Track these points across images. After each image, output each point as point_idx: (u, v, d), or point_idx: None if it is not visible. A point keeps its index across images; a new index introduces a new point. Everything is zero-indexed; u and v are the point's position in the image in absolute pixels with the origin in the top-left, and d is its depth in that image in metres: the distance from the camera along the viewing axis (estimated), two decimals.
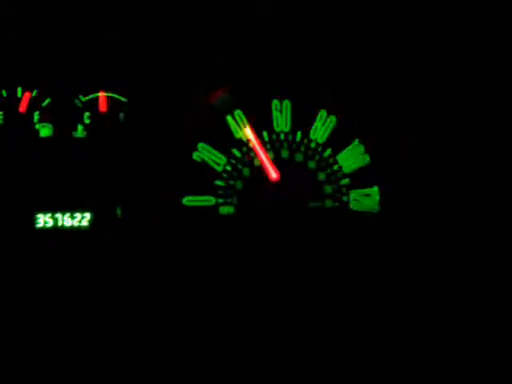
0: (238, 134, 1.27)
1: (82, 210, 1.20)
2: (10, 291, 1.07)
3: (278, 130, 1.29)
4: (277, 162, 1.27)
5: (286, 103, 1.29)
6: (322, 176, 1.29)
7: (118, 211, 1.18)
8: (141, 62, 1.22)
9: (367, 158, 1.30)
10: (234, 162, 1.26)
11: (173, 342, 1.07)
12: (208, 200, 1.24)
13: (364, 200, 1.30)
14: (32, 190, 1.18)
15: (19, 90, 1.22)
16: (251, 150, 1.26)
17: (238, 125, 1.27)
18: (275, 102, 1.29)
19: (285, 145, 1.29)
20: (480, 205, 1.23)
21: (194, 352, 1.07)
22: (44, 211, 1.18)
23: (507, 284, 1.17)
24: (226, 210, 1.25)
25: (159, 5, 1.17)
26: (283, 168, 1.27)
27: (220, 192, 1.25)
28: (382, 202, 1.30)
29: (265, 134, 1.28)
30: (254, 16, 1.22)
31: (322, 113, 1.30)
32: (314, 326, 1.14)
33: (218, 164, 1.26)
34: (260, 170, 1.26)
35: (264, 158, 1.25)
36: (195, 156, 1.25)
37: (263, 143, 1.27)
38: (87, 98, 1.24)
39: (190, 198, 1.23)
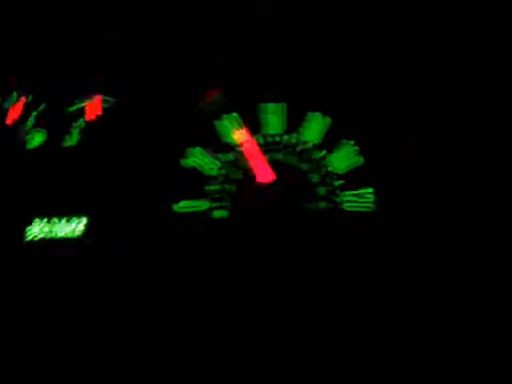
0: (230, 138, 1.28)
1: (77, 218, 1.21)
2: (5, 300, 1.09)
3: (271, 132, 1.29)
4: (270, 164, 1.27)
5: (280, 105, 1.29)
6: (315, 178, 1.29)
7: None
8: (132, 68, 1.22)
9: (361, 159, 1.30)
10: (227, 165, 1.27)
11: (169, 349, 1.09)
12: (201, 205, 1.26)
13: (358, 201, 1.30)
14: (25, 199, 1.20)
15: (14, 95, 1.23)
16: (244, 153, 1.27)
17: (232, 128, 1.27)
18: (269, 105, 1.29)
19: (278, 147, 1.29)
20: (476, 203, 1.22)
21: (189, 359, 1.08)
22: (38, 220, 1.20)
23: (503, 281, 1.17)
24: (219, 214, 1.26)
25: (155, 6, 1.17)
26: (277, 170, 1.27)
27: (213, 196, 1.26)
28: (376, 203, 1.30)
29: (258, 136, 1.28)
30: (247, 17, 1.22)
31: (316, 114, 1.29)
32: (312, 328, 1.15)
33: (211, 168, 1.26)
34: (253, 173, 1.27)
35: (259, 160, 1.25)
36: (187, 161, 1.26)
37: (258, 145, 1.28)
38: (79, 105, 1.25)
39: (184, 203, 1.25)
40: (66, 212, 1.20)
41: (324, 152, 1.29)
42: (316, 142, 1.29)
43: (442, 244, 1.20)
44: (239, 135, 1.26)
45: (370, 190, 1.29)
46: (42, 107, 1.24)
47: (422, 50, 1.22)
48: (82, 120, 1.24)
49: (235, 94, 1.28)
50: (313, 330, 1.13)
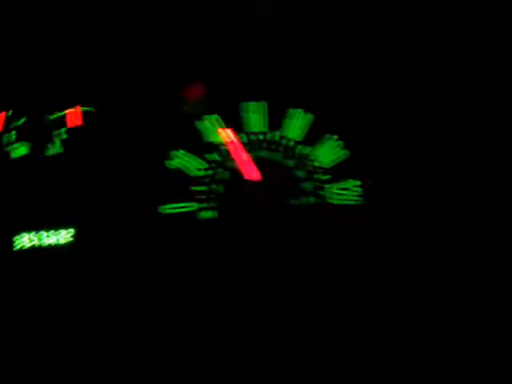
0: (214, 138, 1.28)
1: (65, 227, 1.20)
2: None
3: (254, 130, 1.30)
4: (255, 162, 1.28)
5: (261, 104, 1.30)
6: (301, 173, 1.30)
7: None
8: (114, 75, 1.23)
9: (346, 153, 1.31)
10: (213, 165, 1.27)
11: (160, 351, 1.08)
12: (189, 206, 1.25)
13: (345, 194, 1.30)
14: (12, 210, 1.19)
15: None
16: (229, 152, 1.27)
17: (215, 128, 1.28)
18: (250, 103, 1.30)
19: (262, 145, 1.30)
20: (461, 193, 1.24)
21: (180, 358, 1.07)
22: (26, 231, 1.18)
23: (486, 271, 1.17)
24: (207, 214, 1.26)
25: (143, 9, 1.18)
26: (262, 168, 1.27)
27: (200, 197, 1.26)
28: (363, 195, 1.30)
29: (242, 135, 1.29)
30: (226, 17, 1.23)
31: (298, 111, 1.30)
32: (303, 325, 1.14)
33: (197, 169, 1.26)
34: (240, 172, 1.27)
35: (244, 158, 1.26)
36: (172, 163, 1.26)
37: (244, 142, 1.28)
38: (61, 113, 1.25)
39: (171, 205, 1.24)
40: (53, 220, 1.19)
41: (308, 147, 1.30)
42: (299, 138, 1.30)
43: (431, 235, 1.21)
44: (223, 134, 1.26)
45: (356, 182, 1.30)
46: (22, 120, 1.23)
47: (404, 42, 1.24)
48: (64, 128, 1.24)
49: (216, 93, 1.28)
50: (304, 326, 1.12)
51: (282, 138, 1.30)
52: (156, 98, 1.25)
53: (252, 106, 1.30)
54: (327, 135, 1.31)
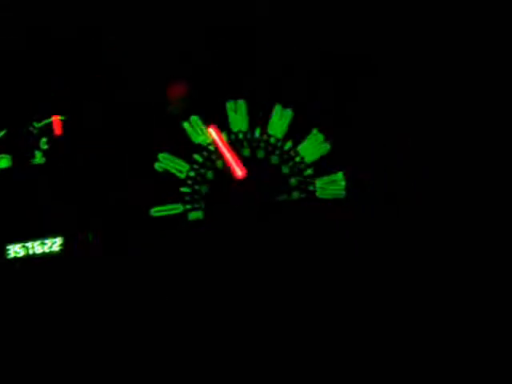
0: (197, 139, 1.28)
1: (53, 236, 1.20)
2: None
3: (235, 130, 1.30)
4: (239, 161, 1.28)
5: (240, 103, 1.31)
6: (285, 169, 1.30)
7: (90, 236, 1.18)
8: (95, 80, 1.23)
9: (328, 146, 1.32)
10: (196, 167, 1.27)
11: (153, 352, 1.07)
12: (175, 208, 1.25)
13: (330, 187, 1.31)
14: (1, 221, 1.18)
15: None
16: (214, 151, 1.28)
17: (199, 128, 1.28)
18: (229, 103, 1.30)
19: (245, 143, 1.30)
20: (446, 185, 1.25)
21: (173, 358, 1.07)
22: (14, 241, 1.18)
23: (478, 266, 1.18)
24: (194, 215, 1.26)
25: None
26: (246, 166, 1.28)
27: (186, 198, 1.26)
28: (347, 187, 1.31)
29: (224, 134, 1.29)
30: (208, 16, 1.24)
31: (277, 107, 1.31)
32: (294, 321, 1.14)
33: (180, 171, 1.26)
34: (224, 172, 1.27)
35: (230, 156, 1.26)
36: (157, 166, 1.26)
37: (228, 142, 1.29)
38: (41, 123, 1.24)
39: (158, 208, 1.24)
40: (43, 229, 1.18)
41: (290, 143, 1.31)
42: (281, 134, 1.31)
43: (416, 223, 1.22)
44: (208, 134, 1.27)
45: (340, 175, 1.31)
46: (2, 133, 1.23)
47: (400, 41, 1.26)
48: (48, 136, 1.23)
49: (198, 93, 1.29)
50: (296, 322, 1.13)
51: (263, 135, 1.30)
52: (141, 100, 1.25)
53: (231, 105, 1.31)
54: (308, 130, 1.32)
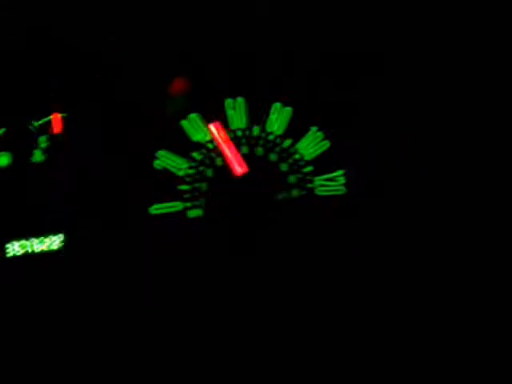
0: (196, 137, 1.29)
1: (52, 234, 1.20)
2: None
3: (234, 127, 1.31)
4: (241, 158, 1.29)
5: (239, 100, 1.31)
6: (284, 167, 1.31)
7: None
8: (94, 78, 1.23)
9: (327, 144, 1.32)
10: (195, 164, 1.28)
11: (152, 355, 1.08)
12: (176, 205, 1.26)
13: (330, 185, 1.31)
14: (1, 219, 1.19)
15: None
16: (213, 149, 1.28)
17: (198, 126, 1.29)
18: (228, 101, 1.31)
19: (243, 141, 1.30)
20: (446, 182, 1.24)
21: (171, 357, 1.07)
22: (14, 239, 1.18)
23: (479, 264, 1.17)
24: (194, 213, 1.26)
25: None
26: (246, 164, 1.28)
27: (186, 196, 1.26)
28: (347, 185, 1.31)
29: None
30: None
31: (276, 105, 1.32)
32: (296, 319, 1.14)
33: (179, 169, 1.27)
34: (223, 169, 1.28)
35: (232, 152, 1.26)
36: (156, 164, 1.26)
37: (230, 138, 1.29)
38: (40, 121, 1.25)
39: (157, 205, 1.24)
40: (43, 227, 1.19)
41: (290, 141, 1.31)
42: (280, 132, 1.31)
43: (416, 220, 1.21)
44: (210, 130, 1.27)
45: (339, 173, 1.31)
46: (2, 131, 1.23)
47: (399, 39, 1.26)
48: (47, 134, 1.24)
49: (197, 91, 1.29)
50: (297, 318, 1.13)
51: (262, 132, 1.31)
52: (139, 99, 1.25)
53: (230, 102, 1.31)
54: (308, 127, 1.32)
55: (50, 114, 1.25)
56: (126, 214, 1.21)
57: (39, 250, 1.19)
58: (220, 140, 1.27)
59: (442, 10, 1.25)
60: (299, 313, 1.14)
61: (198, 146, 1.29)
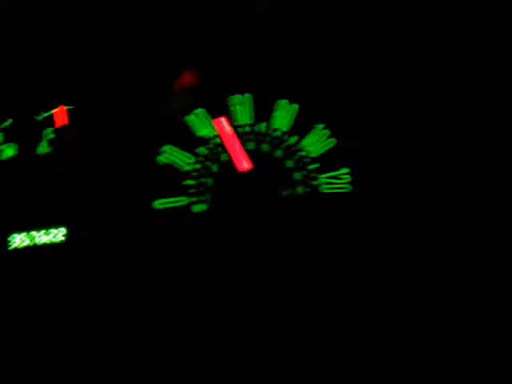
0: (202, 132, 1.29)
1: (57, 226, 1.20)
2: None
3: (240, 123, 1.30)
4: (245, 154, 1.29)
5: (246, 96, 1.31)
6: (290, 164, 1.30)
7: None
8: (100, 71, 1.23)
9: (333, 141, 1.32)
10: (201, 159, 1.28)
11: (155, 349, 1.08)
12: (181, 200, 1.26)
13: (335, 182, 1.31)
14: (4, 211, 1.19)
15: None
16: (219, 144, 1.28)
17: (204, 121, 1.29)
18: (234, 96, 1.31)
19: (250, 137, 1.30)
20: (450, 180, 1.24)
21: (175, 355, 1.07)
22: (18, 231, 1.19)
23: (480, 263, 1.17)
24: (199, 208, 1.26)
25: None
26: (251, 160, 1.28)
27: (191, 191, 1.26)
28: (352, 183, 1.31)
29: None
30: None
31: (283, 101, 1.31)
32: (298, 317, 1.14)
33: (185, 164, 1.27)
34: (229, 164, 1.28)
35: (237, 148, 1.26)
36: (162, 159, 1.26)
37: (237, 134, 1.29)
38: (47, 113, 1.25)
39: (162, 200, 1.24)
40: (46, 219, 1.19)
41: (296, 138, 1.31)
42: (286, 128, 1.31)
43: (421, 218, 1.21)
44: (217, 124, 1.27)
45: (345, 170, 1.31)
46: (8, 123, 1.24)
47: (401, 39, 1.26)
48: (51, 128, 1.24)
49: (204, 87, 1.29)
50: (299, 316, 1.13)
51: (268, 129, 1.30)
52: (145, 93, 1.25)
53: (237, 98, 1.31)
54: (314, 124, 1.31)
55: (57, 107, 1.25)
56: (130, 208, 1.21)
57: (42, 243, 1.19)
58: (224, 136, 1.27)
59: (441, 10, 1.25)
60: (303, 310, 1.14)
61: (204, 141, 1.28)
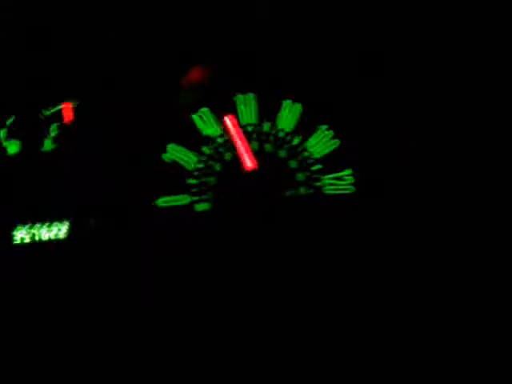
0: (207, 131, 1.29)
1: (59, 222, 1.20)
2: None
3: (244, 123, 1.30)
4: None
5: (250, 95, 1.31)
6: (293, 164, 1.30)
7: (92, 221, 1.19)
8: (105, 68, 1.23)
9: (337, 142, 1.32)
10: (204, 158, 1.27)
11: (157, 347, 1.07)
12: (183, 199, 1.25)
13: (338, 184, 1.31)
14: (6, 206, 1.19)
15: None
16: (223, 143, 1.28)
17: (209, 120, 1.29)
18: (239, 96, 1.31)
19: (253, 137, 1.30)
20: (455, 181, 1.24)
21: (176, 353, 1.07)
22: (20, 226, 1.19)
23: (481, 268, 1.17)
24: (201, 207, 1.26)
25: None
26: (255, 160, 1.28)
27: (194, 190, 1.26)
28: (355, 185, 1.31)
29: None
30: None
31: (287, 102, 1.31)
32: (299, 317, 1.14)
33: (188, 163, 1.27)
34: (232, 164, 1.28)
35: (244, 146, 1.26)
36: (165, 157, 1.26)
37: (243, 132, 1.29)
38: (51, 110, 1.25)
39: (165, 198, 1.24)
40: (49, 215, 1.19)
41: (299, 138, 1.31)
42: (290, 129, 1.31)
43: (424, 220, 1.21)
44: (225, 122, 1.27)
45: (348, 171, 1.31)
46: (12, 119, 1.24)
47: (403, 39, 1.26)
48: (57, 123, 1.24)
49: (210, 86, 1.29)
50: (300, 317, 1.12)
51: (272, 129, 1.30)
52: (151, 91, 1.25)
53: (241, 98, 1.31)
54: (318, 125, 1.31)
55: (61, 103, 1.25)
56: (132, 205, 1.21)
57: (46, 238, 1.19)
58: (234, 133, 1.27)
59: (441, 10, 1.25)
60: (304, 310, 1.13)
61: (208, 140, 1.28)
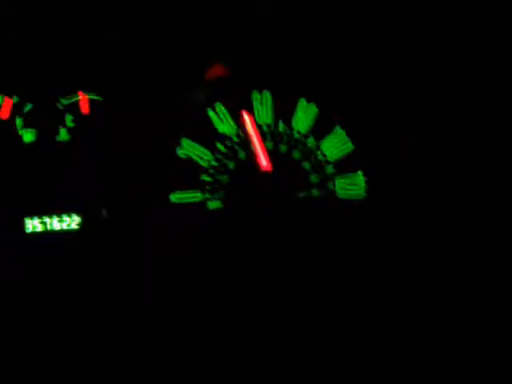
0: (222, 129, 1.29)
1: (72, 213, 1.20)
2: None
3: (260, 122, 1.30)
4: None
5: (266, 94, 1.30)
6: (307, 165, 1.30)
7: (104, 212, 1.19)
8: (120, 62, 1.23)
9: (351, 145, 1.31)
10: (219, 156, 1.27)
11: (166, 343, 1.08)
12: (195, 196, 1.25)
13: (350, 187, 1.31)
14: (19, 195, 1.19)
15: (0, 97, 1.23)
16: (238, 142, 1.28)
17: (224, 118, 1.28)
18: (255, 94, 1.30)
19: (268, 136, 1.30)
20: (464, 186, 1.24)
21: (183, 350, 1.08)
22: (32, 216, 1.19)
23: (484, 268, 1.17)
24: (213, 204, 1.26)
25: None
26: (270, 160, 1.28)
27: (207, 187, 1.26)
28: (368, 188, 1.31)
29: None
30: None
31: (304, 103, 1.31)
32: (306, 317, 1.14)
33: (203, 159, 1.27)
34: (246, 162, 1.27)
35: (260, 145, 1.26)
36: (180, 153, 1.26)
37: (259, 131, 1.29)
38: (68, 100, 1.25)
39: (178, 194, 1.24)
40: (62, 206, 1.19)
41: (314, 140, 1.30)
42: (305, 130, 1.31)
43: (435, 225, 1.21)
44: (244, 118, 1.26)
45: (361, 175, 1.30)
46: (28, 107, 1.24)
47: (408, 43, 1.26)
48: (73, 114, 1.24)
49: (226, 84, 1.29)
50: (308, 318, 1.13)
51: (287, 129, 1.30)
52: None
53: (257, 97, 1.30)
54: (333, 128, 1.31)
55: (78, 94, 1.25)
56: (145, 200, 1.21)
57: (58, 229, 1.19)
58: (251, 130, 1.26)
59: (441, 10, 1.24)
60: (313, 311, 1.14)
61: (224, 137, 1.28)
